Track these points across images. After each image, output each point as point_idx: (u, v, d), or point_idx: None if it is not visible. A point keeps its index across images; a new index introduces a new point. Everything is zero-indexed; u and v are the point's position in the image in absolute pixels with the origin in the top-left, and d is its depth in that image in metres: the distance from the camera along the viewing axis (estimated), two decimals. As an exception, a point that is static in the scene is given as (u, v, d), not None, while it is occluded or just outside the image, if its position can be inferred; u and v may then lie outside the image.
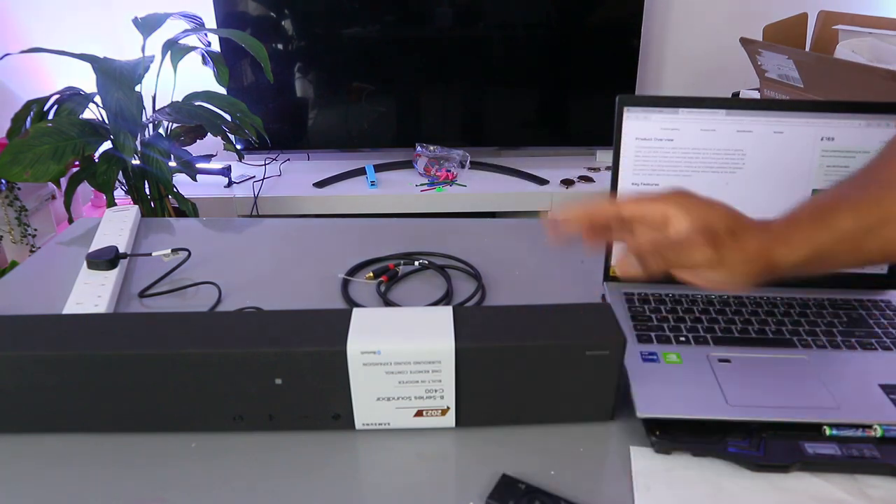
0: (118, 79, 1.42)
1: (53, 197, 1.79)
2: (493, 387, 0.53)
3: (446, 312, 0.55)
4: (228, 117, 1.63)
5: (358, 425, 0.55)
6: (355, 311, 0.55)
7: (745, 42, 1.70)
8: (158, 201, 1.68)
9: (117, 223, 0.93)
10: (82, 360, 0.51)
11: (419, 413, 0.54)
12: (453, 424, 0.55)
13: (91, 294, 0.75)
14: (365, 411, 0.54)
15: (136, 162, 1.57)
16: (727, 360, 0.61)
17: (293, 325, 0.53)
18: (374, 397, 0.53)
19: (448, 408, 0.54)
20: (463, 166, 2.21)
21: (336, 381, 0.52)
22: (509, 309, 0.56)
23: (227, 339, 0.52)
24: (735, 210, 0.49)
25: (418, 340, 0.52)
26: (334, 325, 0.53)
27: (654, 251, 0.46)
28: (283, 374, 0.52)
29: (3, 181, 1.58)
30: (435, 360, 0.52)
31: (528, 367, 0.53)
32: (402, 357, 0.52)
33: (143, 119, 1.58)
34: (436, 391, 0.53)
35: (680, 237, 0.46)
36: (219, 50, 1.88)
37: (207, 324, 0.54)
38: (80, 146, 1.42)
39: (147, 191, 1.66)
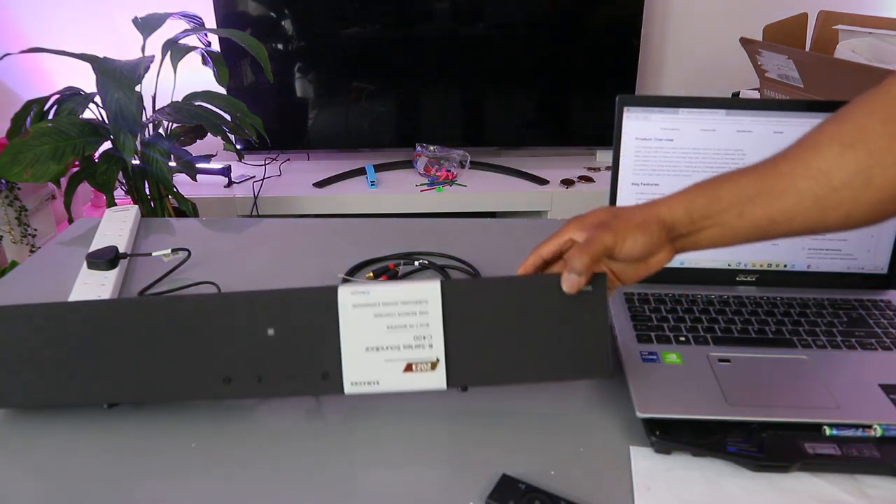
0: (118, 79, 1.42)
1: (53, 197, 1.79)
2: (482, 336, 0.54)
3: (435, 281, 0.57)
4: (228, 117, 1.63)
5: (346, 386, 0.55)
6: (346, 283, 0.58)
7: (745, 42, 1.70)
8: (158, 201, 1.68)
9: (117, 223, 0.93)
10: (73, 314, 0.54)
11: (409, 368, 0.54)
12: (444, 384, 0.54)
13: (91, 294, 0.75)
14: (354, 366, 0.54)
15: (136, 162, 1.56)
16: (727, 360, 0.61)
17: (288, 291, 0.56)
18: (363, 346, 0.54)
19: (437, 359, 0.54)
20: (463, 166, 2.21)
21: (327, 327, 0.54)
22: (498, 277, 0.57)
23: (223, 295, 0.55)
24: (618, 206, 0.56)
25: (406, 284, 0.54)
26: (326, 287, 0.56)
27: (578, 254, 0.51)
28: (275, 321, 0.54)
29: (3, 181, 1.58)
30: (422, 299, 0.53)
31: (513, 308, 0.53)
32: (389, 297, 0.53)
33: (143, 119, 1.58)
34: (424, 338, 0.54)
35: (587, 238, 0.52)
36: (219, 50, 1.88)
37: (202, 299, 0.57)
38: (80, 146, 1.42)
39: (147, 191, 1.66)
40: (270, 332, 0.54)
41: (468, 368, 0.54)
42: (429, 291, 0.53)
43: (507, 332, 0.54)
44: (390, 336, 0.54)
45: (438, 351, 0.54)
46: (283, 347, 0.54)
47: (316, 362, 0.54)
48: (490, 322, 0.54)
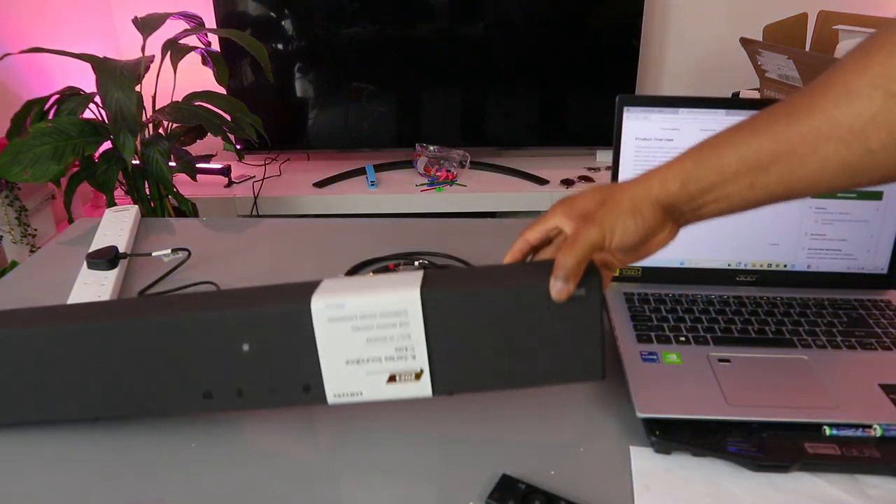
0: (118, 79, 1.42)
1: (53, 197, 1.78)
2: (468, 343, 0.50)
3: (417, 273, 0.53)
4: (228, 117, 1.63)
5: (329, 397, 0.52)
6: (325, 280, 0.54)
7: (745, 42, 1.70)
8: (158, 201, 1.68)
9: (117, 223, 0.93)
10: (41, 337, 0.51)
11: (392, 378, 0.51)
12: (429, 392, 0.51)
13: (91, 294, 0.75)
14: (335, 379, 0.51)
15: (136, 162, 1.56)
16: (727, 360, 0.61)
17: (261, 293, 0.53)
18: (343, 360, 0.51)
19: (421, 370, 0.51)
20: (463, 166, 2.21)
21: (303, 342, 0.51)
22: (483, 266, 0.54)
23: (192, 307, 0.52)
24: (608, 184, 0.50)
25: (383, 291, 0.50)
26: (302, 290, 0.52)
27: (563, 257, 0.46)
28: (248, 338, 0.51)
29: (3, 181, 1.58)
30: (401, 309, 0.49)
31: (500, 315, 0.49)
32: (367, 309, 0.49)
33: (143, 119, 1.58)
34: (406, 349, 0.50)
35: (572, 234, 0.48)
36: (219, 50, 1.88)
37: (174, 300, 0.54)
38: (80, 146, 1.42)
39: (147, 191, 1.66)
40: (245, 347, 0.51)
41: (454, 376, 0.51)
42: (408, 302, 0.49)
43: (495, 337, 0.50)
44: (370, 348, 0.50)
45: (422, 362, 0.51)
46: (261, 362, 0.51)
47: (296, 375, 0.52)
48: (475, 329, 0.50)
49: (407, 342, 0.50)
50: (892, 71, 0.37)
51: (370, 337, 0.50)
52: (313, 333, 0.50)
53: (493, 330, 0.50)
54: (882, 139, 0.38)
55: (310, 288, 0.52)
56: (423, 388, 0.51)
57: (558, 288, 0.47)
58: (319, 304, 0.50)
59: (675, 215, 0.48)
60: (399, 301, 0.49)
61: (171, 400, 0.53)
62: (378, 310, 0.49)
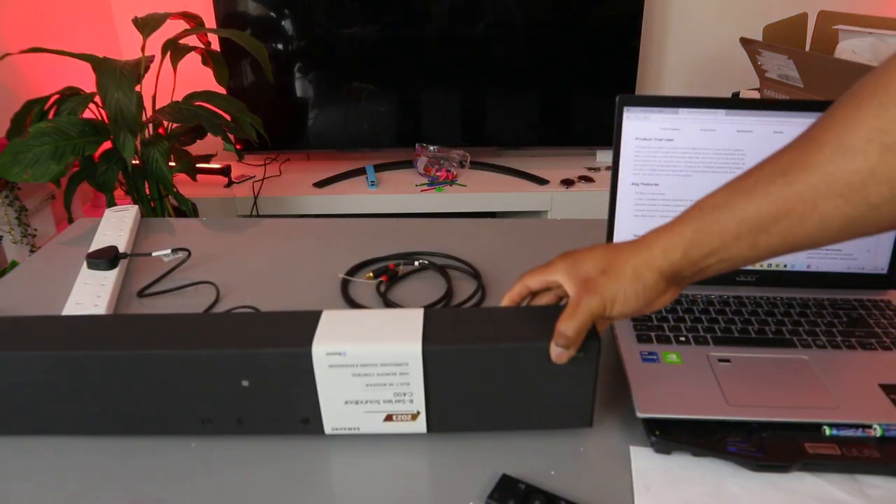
0: (118, 79, 1.42)
1: (53, 197, 1.78)
2: (465, 391, 0.52)
3: (417, 314, 0.54)
4: (228, 117, 1.63)
5: (327, 430, 0.54)
6: (325, 312, 0.54)
7: (745, 42, 1.70)
8: (158, 201, 1.68)
9: (117, 223, 0.93)
10: (45, 361, 0.51)
11: (389, 417, 0.53)
12: (424, 430, 0.54)
13: (91, 294, 0.75)
14: (333, 415, 0.53)
15: (136, 162, 1.56)
16: (727, 360, 0.61)
17: (263, 326, 0.53)
18: (341, 400, 0.52)
19: (418, 412, 0.53)
20: (463, 166, 2.21)
21: (302, 383, 0.51)
22: (484, 310, 0.55)
23: (194, 340, 0.51)
24: (611, 246, 0.50)
25: (385, 342, 0.50)
26: (302, 327, 0.52)
27: (564, 325, 0.48)
28: (249, 376, 0.51)
29: (3, 181, 1.58)
30: (402, 361, 0.50)
31: (499, 370, 0.51)
32: (368, 359, 0.50)
33: (143, 119, 1.58)
34: (405, 395, 0.52)
35: (572, 300, 0.49)
36: (219, 50, 1.88)
37: (176, 325, 0.53)
38: (80, 146, 1.42)
39: (147, 191, 1.66)
40: (245, 383, 0.52)
41: (450, 418, 0.53)
42: (409, 356, 0.50)
43: (491, 387, 0.52)
44: (369, 392, 0.52)
45: (419, 405, 0.52)
46: (260, 395, 0.52)
47: (294, 409, 0.53)
48: (473, 379, 0.51)
49: (406, 388, 0.52)
50: (885, 123, 0.36)
51: (370, 383, 0.51)
52: (313, 376, 0.51)
53: (490, 380, 0.51)
54: (883, 194, 0.37)
55: (311, 324, 0.53)
56: (419, 426, 0.54)
57: (557, 353, 0.49)
58: (320, 351, 0.50)
59: (677, 280, 0.48)
60: (400, 354, 0.50)
61: (170, 423, 0.54)
62: (379, 360, 0.50)
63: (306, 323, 0.53)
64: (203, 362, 0.51)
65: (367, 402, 0.52)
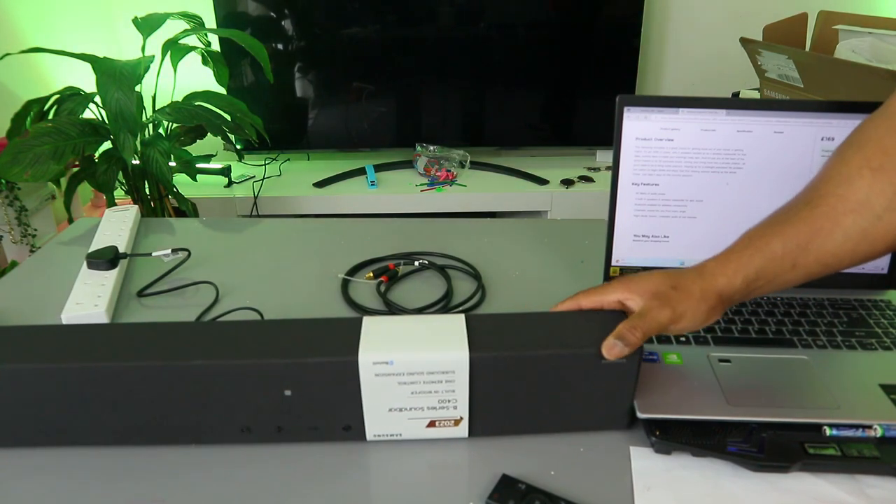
0: (118, 79, 1.42)
1: (53, 197, 1.78)
2: (508, 396, 0.52)
3: (459, 320, 0.54)
4: (228, 117, 1.63)
5: (369, 436, 0.54)
6: (366, 319, 0.54)
7: (745, 42, 1.70)
8: (158, 201, 1.68)
9: (117, 223, 0.93)
10: (86, 373, 0.50)
11: (431, 423, 0.53)
12: (466, 435, 0.54)
13: (91, 294, 0.75)
14: (376, 423, 0.53)
15: (136, 162, 1.56)
16: (727, 360, 0.61)
17: (302, 334, 0.52)
18: (385, 408, 0.52)
19: (461, 418, 0.53)
20: (463, 166, 2.21)
21: (347, 391, 0.51)
22: (524, 316, 0.55)
23: (235, 350, 0.51)
24: (672, 270, 0.55)
25: (432, 350, 0.50)
26: (345, 335, 0.52)
27: (630, 329, 0.50)
28: (292, 386, 0.51)
29: (3, 181, 1.58)
30: (449, 370, 0.50)
31: (542, 376, 0.52)
32: (415, 367, 0.50)
33: (143, 119, 1.58)
34: (449, 401, 0.52)
35: (641, 310, 0.52)
36: (219, 50, 1.88)
37: (213, 334, 0.53)
38: (80, 146, 1.42)
39: (147, 191, 1.66)
40: (287, 392, 0.51)
41: (491, 422, 0.54)
42: (457, 364, 0.50)
43: (534, 392, 0.52)
44: (414, 399, 0.52)
45: (463, 411, 0.53)
46: (303, 404, 0.52)
47: (337, 417, 0.53)
48: (517, 386, 0.52)
49: (451, 395, 0.52)
50: (868, 153, 0.50)
51: (415, 390, 0.52)
52: (358, 385, 0.51)
53: (532, 386, 0.52)
54: (883, 203, 0.49)
55: (354, 332, 0.52)
56: (461, 431, 0.54)
57: (615, 350, 0.50)
58: (367, 360, 0.50)
59: (729, 302, 0.53)
60: (448, 362, 0.50)
61: (208, 433, 0.54)
62: (426, 368, 0.51)
63: (348, 331, 0.52)
64: (246, 372, 0.50)
65: (411, 409, 0.52)
